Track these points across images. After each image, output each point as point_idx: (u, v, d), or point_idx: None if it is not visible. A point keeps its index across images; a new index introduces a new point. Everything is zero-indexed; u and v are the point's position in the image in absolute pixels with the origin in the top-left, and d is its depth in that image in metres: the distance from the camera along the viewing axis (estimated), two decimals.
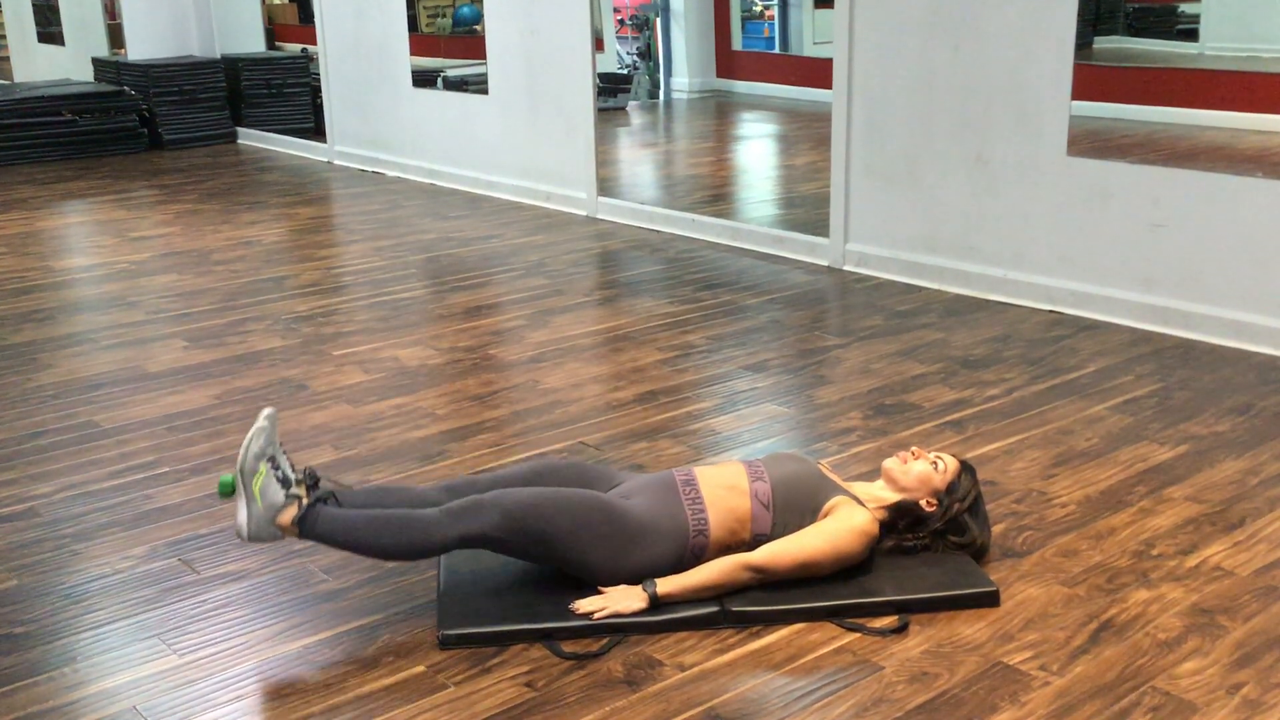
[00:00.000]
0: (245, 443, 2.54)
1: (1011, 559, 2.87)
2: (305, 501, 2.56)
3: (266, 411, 2.60)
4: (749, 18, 12.51)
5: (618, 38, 12.49)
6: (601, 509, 2.63)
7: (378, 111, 8.49)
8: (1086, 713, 2.29)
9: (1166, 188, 4.55)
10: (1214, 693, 2.34)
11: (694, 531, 2.66)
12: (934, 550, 2.80)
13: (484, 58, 7.52)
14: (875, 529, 2.71)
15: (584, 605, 2.59)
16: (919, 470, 2.80)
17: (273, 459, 2.56)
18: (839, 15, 5.39)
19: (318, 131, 9.54)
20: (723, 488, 2.72)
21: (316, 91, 9.63)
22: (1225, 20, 6.89)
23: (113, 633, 2.62)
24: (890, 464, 2.85)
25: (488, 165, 7.64)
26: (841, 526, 2.66)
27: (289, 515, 2.55)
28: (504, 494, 2.62)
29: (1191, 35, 7.15)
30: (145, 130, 9.64)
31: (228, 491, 2.56)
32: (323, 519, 2.56)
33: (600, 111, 6.98)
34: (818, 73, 9.75)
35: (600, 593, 2.62)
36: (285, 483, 2.56)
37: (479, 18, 8.54)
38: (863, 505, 2.73)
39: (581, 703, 2.34)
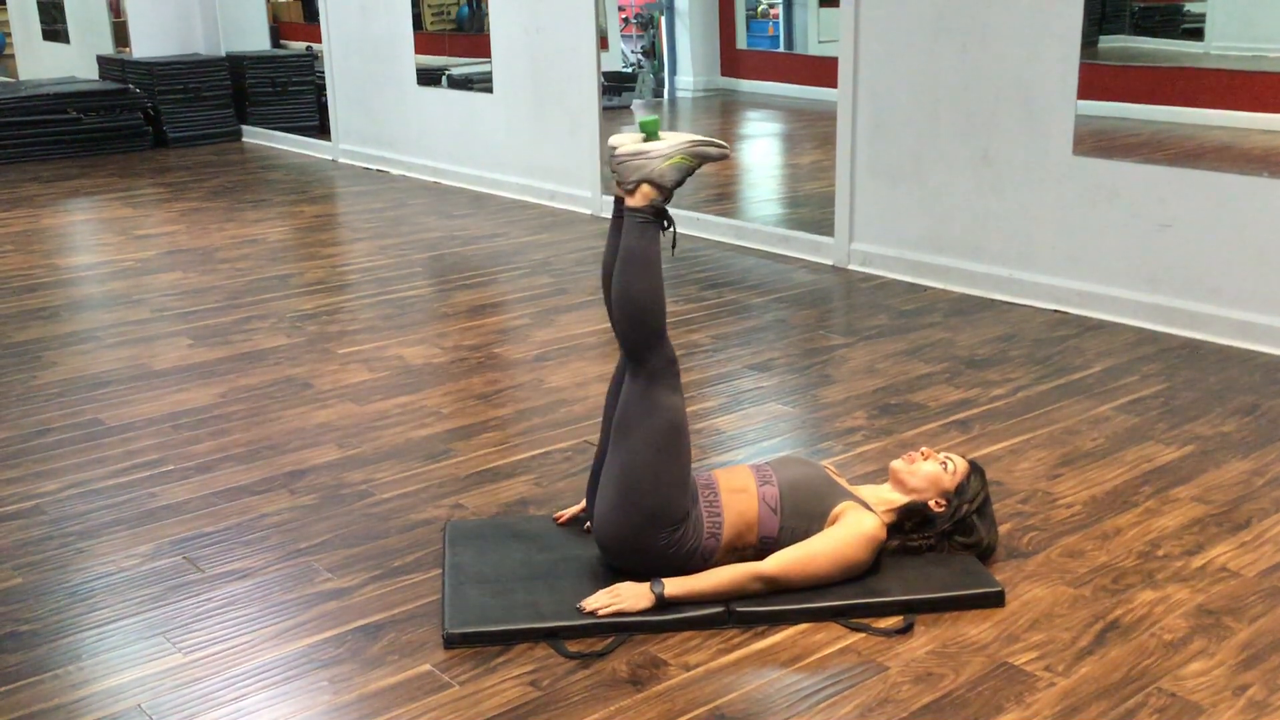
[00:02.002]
0: (707, 137, 2.62)
1: (1017, 559, 2.87)
2: (662, 204, 2.63)
3: (730, 148, 2.70)
4: (753, 16, 12.49)
5: (622, 36, 12.48)
6: (686, 490, 2.64)
7: (382, 110, 8.49)
8: (1092, 714, 2.28)
9: (1172, 187, 4.54)
10: (1220, 694, 2.34)
11: (707, 534, 2.66)
12: (940, 550, 2.80)
13: (489, 56, 7.52)
14: (883, 534, 2.71)
15: (591, 602, 2.59)
16: (928, 471, 2.80)
17: (693, 169, 2.63)
18: (844, 14, 5.38)
19: (322, 130, 9.54)
20: (731, 491, 2.72)
21: (321, 90, 9.63)
22: (1231, 20, 6.87)
23: (117, 631, 2.62)
24: (897, 465, 2.84)
25: (492, 164, 7.64)
26: (850, 534, 2.66)
27: (653, 195, 2.61)
28: (683, 403, 2.70)
29: (1197, 35, 7.13)
30: (150, 128, 9.64)
31: (651, 130, 2.61)
32: (652, 230, 2.62)
33: (605, 110, 6.97)
34: (823, 71, 9.74)
35: (607, 590, 2.62)
36: (678, 183, 2.63)
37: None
38: (871, 510, 2.72)
39: (586, 702, 2.34)
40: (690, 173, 2.65)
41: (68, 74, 11.04)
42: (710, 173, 8.70)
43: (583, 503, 2.96)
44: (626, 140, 2.64)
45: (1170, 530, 3.01)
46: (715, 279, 5.48)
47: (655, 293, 2.65)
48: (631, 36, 12.51)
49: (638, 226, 2.63)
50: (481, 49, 7.70)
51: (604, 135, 6.83)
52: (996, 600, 2.66)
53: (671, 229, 2.70)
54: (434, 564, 2.86)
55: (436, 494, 3.27)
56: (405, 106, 8.29)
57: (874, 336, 4.60)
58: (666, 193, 2.63)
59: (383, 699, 2.36)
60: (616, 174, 2.65)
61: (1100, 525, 3.04)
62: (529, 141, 7.32)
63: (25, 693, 2.41)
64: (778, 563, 2.63)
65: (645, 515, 2.61)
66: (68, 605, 2.73)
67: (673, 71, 12.54)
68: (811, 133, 9.99)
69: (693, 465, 3.26)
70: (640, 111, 11.70)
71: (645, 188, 2.62)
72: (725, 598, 2.61)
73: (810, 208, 6.87)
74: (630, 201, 2.63)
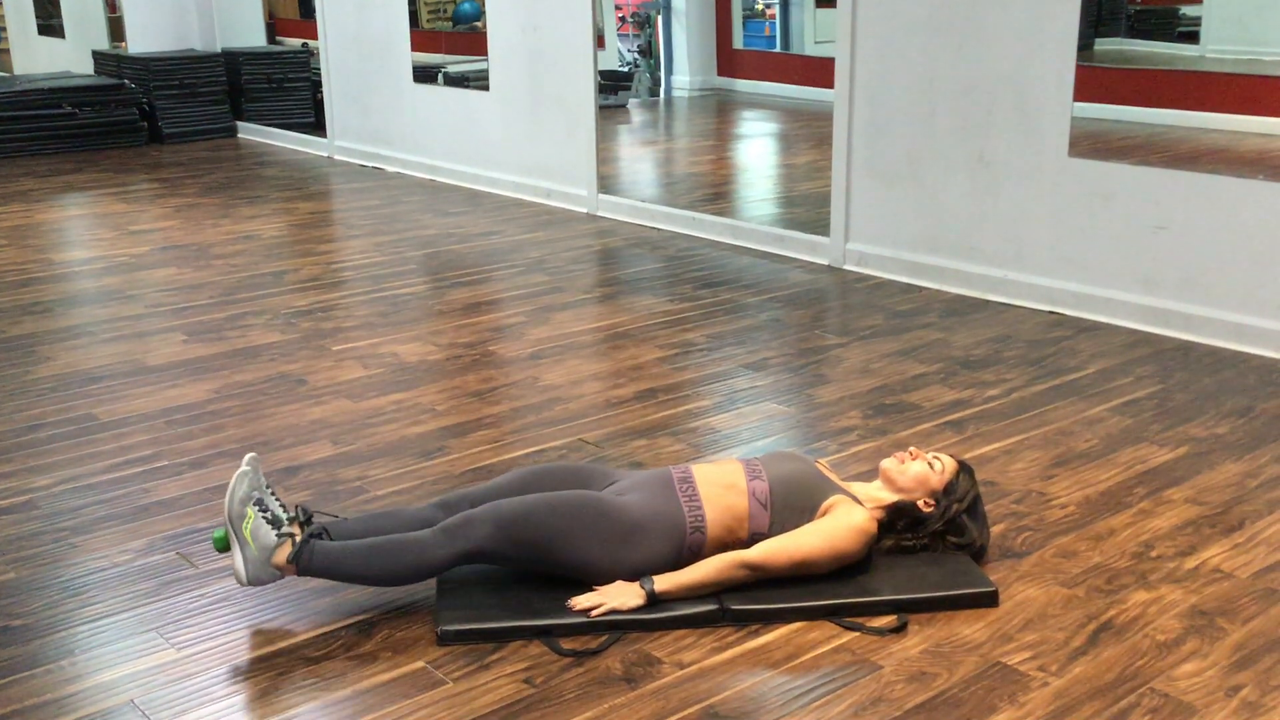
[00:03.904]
0: (230, 490, 2.57)
1: (1011, 559, 2.87)
2: (299, 538, 2.58)
3: (248, 456, 2.64)
4: (750, 16, 12.49)
5: (619, 35, 12.48)
6: (595, 507, 2.63)
7: (378, 107, 8.48)
8: (1085, 714, 2.29)
9: (1167, 190, 4.55)
10: (1213, 694, 2.34)
11: (691, 529, 2.66)
12: (933, 550, 2.80)
13: (485, 54, 7.52)
14: (873, 528, 2.71)
15: (581, 602, 2.58)
16: (916, 471, 2.80)
17: (259, 502, 2.59)
18: (841, 14, 5.38)
19: (318, 126, 9.52)
20: (720, 486, 2.72)
21: (317, 86, 9.62)
22: (1226, 23, 6.89)
23: (110, 626, 2.62)
24: (888, 464, 2.84)
25: (488, 161, 7.64)
26: (839, 525, 2.66)
27: (284, 554, 2.57)
28: (496, 505, 2.62)
29: (1193, 38, 7.14)
30: (145, 124, 9.63)
31: (222, 546, 2.59)
32: (318, 554, 2.57)
33: (601, 109, 6.97)
34: (819, 72, 9.75)
35: (597, 590, 2.62)
36: (275, 523, 2.58)
37: (479, 14, 8.53)
38: (861, 504, 2.73)
39: (580, 700, 2.34)
40: (262, 511, 2.56)
41: (63, 69, 11.02)
42: (706, 172, 8.71)
43: None
44: (238, 566, 2.56)
45: (1164, 531, 3.01)
46: (711, 278, 5.48)
47: (385, 557, 2.58)
48: (628, 35, 12.51)
49: (315, 568, 2.57)
50: (477, 47, 7.70)
51: (600, 134, 6.85)
52: (990, 600, 2.66)
53: (318, 529, 2.62)
54: None
55: (431, 491, 3.27)
56: (401, 104, 8.28)
57: (869, 336, 4.60)
58: (283, 536, 2.57)
59: (376, 695, 2.36)
60: (263, 584, 2.61)
61: (1094, 526, 3.04)
62: (525, 140, 7.32)
63: (17, 688, 2.40)
64: (763, 549, 2.63)
65: (604, 551, 2.61)
66: (60, 600, 2.73)
67: (669, 71, 12.53)
68: (807, 133, 9.99)
69: (683, 461, 3.26)
70: (637, 109, 11.70)
71: (275, 559, 2.56)
72: (714, 588, 2.62)
73: (806, 207, 6.88)
74: (289, 573, 2.59)
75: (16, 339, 4.70)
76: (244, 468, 2.61)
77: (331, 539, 2.62)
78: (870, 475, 3.19)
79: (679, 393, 4.03)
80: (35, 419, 3.84)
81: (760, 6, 12.47)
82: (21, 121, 9.10)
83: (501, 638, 2.53)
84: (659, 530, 2.65)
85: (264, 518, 2.57)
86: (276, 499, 2.65)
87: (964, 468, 2.84)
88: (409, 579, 2.63)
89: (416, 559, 2.58)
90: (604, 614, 2.55)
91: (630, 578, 2.63)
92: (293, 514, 2.64)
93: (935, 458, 2.83)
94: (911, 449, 2.86)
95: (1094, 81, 5.53)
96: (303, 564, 2.56)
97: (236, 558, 2.56)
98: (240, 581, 2.57)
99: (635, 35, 12.44)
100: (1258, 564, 2.85)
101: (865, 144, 5.44)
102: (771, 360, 4.36)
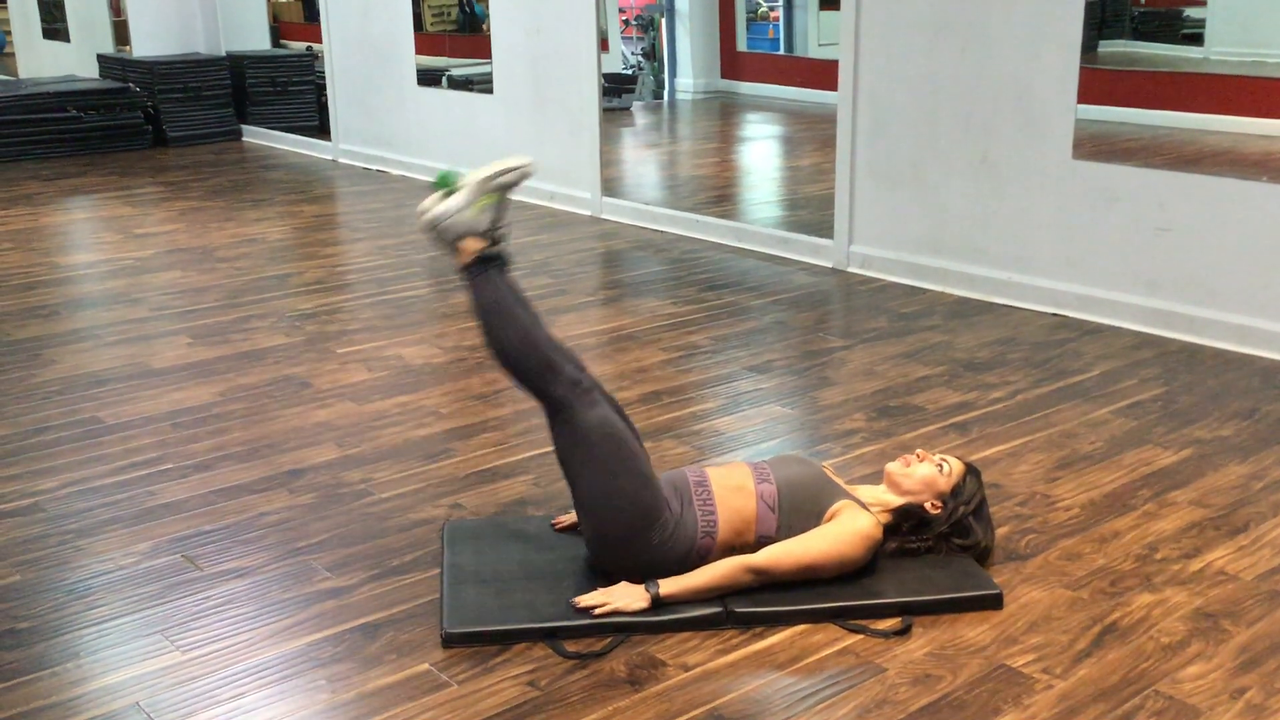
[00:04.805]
0: (500, 167, 2.65)
1: (1015, 562, 2.87)
2: (489, 249, 2.64)
3: (531, 159, 2.71)
4: (754, 19, 12.50)
5: (623, 38, 12.49)
6: (653, 485, 2.65)
7: (382, 110, 8.49)
8: (1089, 716, 2.28)
9: (1171, 192, 4.55)
10: (1217, 697, 2.34)
11: (702, 533, 2.66)
12: (938, 552, 2.80)
13: (489, 57, 7.52)
14: (879, 533, 2.71)
15: (585, 600, 2.59)
16: (923, 473, 2.80)
17: (505, 198, 2.66)
18: (845, 17, 5.39)
19: (322, 130, 9.54)
20: (729, 489, 2.72)
21: (321, 89, 9.63)
22: (1230, 25, 6.88)
23: (115, 629, 2.62)
24: (893, 467, 2.84)
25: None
26: (845, 530, 2.66)
27: (476, 246, 2.64)
28: (609, 410, 2.65)
29: (1197, 40, 7.14)
30: (150, 127, 9.64)
31: (443, 185, 2.64)
32: (491, 277, 2.63)
33: (605, 112, 6.98)
34: (822, 74, 9.75)
35: (601, 590, 2.62)
36: (495, 222, 2.64)
37: (483, 17, 8.54)
38: (867, 509, 2.73)
39: (584, 702, 2.34)
40: (502, 207, 2.66)
41: (68, 73, 11.05)
42: (710, 175, 8.71)
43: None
44: (430, 203, 2.66)
45: (1168, 533, 3.01)
46: (715, 280, 5.48)
47: (524, 333, 2.66)
48: (632, 38, 12.52)
49: (478, 281, 2.65)
50: (481, 50, 7.71)
51: (604, 137, 6.86)
52: (995, 602, 2.66)
53: (507, 257, 2.70)
54: (432, 563, 2.86)
55: (435, 494, 3.28)
56: (405, 107, 8.29)
57: (873, 339, 4.61)
58: (488, 237, 2.64)
59: (381, 698, 2.36)
60: (433, 240, 2.67)
61: (1098, 528, 3.04)
62: (529, 143, 7.32)
63: (23, 690, 2.41)
64: (769, 554, 2.64)
65: (625, 527, 2.62)
66: (66, 603, 2.73)
67: (673, 73, 12.54)
68: (811, 135, 10.00)
69: (688, 464, 3.27)
70: (641, 112, 11.71)
71: (467, 242, 2.62)
72: (719, 592, 2.62)
73: (810, 210, 6.88)
74: (459, 261, 2.65)
75: (22, 342, 4.71)
76: (522, 164, 2.66)
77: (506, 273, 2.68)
78: (874, 477, 3.19)
79: (683, 395, 4.04)
80: (41, 422, 3.85)
81: (764, 9, 12.47)
82: (27, 125, 9.12)
83: (506, 640, 2.53)
84: (672, 531, 2.65)
85: (495, 211, 2.63)
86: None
87: (971, 470, 2.84)
88: (517, 370, 2.66)
89: (538, 367, 2.62)
90: (607, 614, 2.56)
91: (631, 568, 2.63)
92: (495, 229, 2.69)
93: (943, 459, 2.83)
94: (919, 451, 2.86)
95: (1098, 83, 5.54)
96: (476, 270, 2.63)
97: (449, 205, 2.62)
98: (427, 217, 2.64)
99: (639, 38, 12.44)
100: (1262, 566, 2.84)
101: (868, 146, 5.44)
102: (775, 363, 4.36)
